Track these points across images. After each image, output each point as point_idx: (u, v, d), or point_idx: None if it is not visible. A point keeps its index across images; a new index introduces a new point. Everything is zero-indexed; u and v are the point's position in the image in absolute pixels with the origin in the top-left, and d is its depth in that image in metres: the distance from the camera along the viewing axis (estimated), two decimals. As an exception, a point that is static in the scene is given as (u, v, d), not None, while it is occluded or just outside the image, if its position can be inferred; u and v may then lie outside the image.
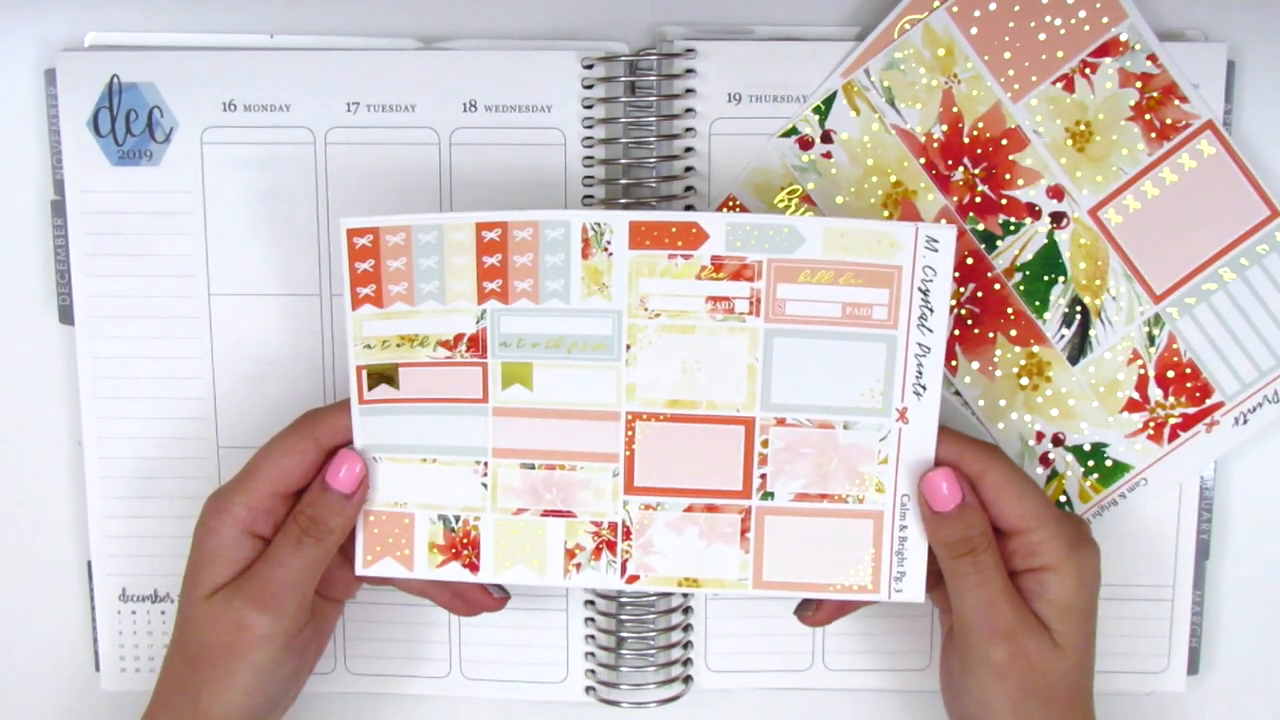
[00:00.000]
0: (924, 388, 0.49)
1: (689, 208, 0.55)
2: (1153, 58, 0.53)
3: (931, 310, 0.48)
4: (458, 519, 0.50)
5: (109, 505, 0.56)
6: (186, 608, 0.49)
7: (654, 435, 0.49)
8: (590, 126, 0.54)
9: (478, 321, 0.49)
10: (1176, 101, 0.53)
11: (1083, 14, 0.53)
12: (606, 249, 0.48)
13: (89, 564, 0.57)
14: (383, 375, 0.49)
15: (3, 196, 0.56)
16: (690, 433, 0.49)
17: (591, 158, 0.54)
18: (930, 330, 0.48)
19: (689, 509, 0.50)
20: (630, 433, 0.49)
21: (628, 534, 0.50)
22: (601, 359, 0.49)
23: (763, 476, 0.50)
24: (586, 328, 0.49)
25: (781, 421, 0.49)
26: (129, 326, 0.55)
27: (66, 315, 0.56)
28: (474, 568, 0.51)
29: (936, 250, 0.48)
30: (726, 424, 0.49)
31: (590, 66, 0.54)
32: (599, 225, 0.48)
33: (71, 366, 0.56)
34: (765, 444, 0.49)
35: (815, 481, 0.50)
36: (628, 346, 0.49)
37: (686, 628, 0.57)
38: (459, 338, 0.49)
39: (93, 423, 0.56)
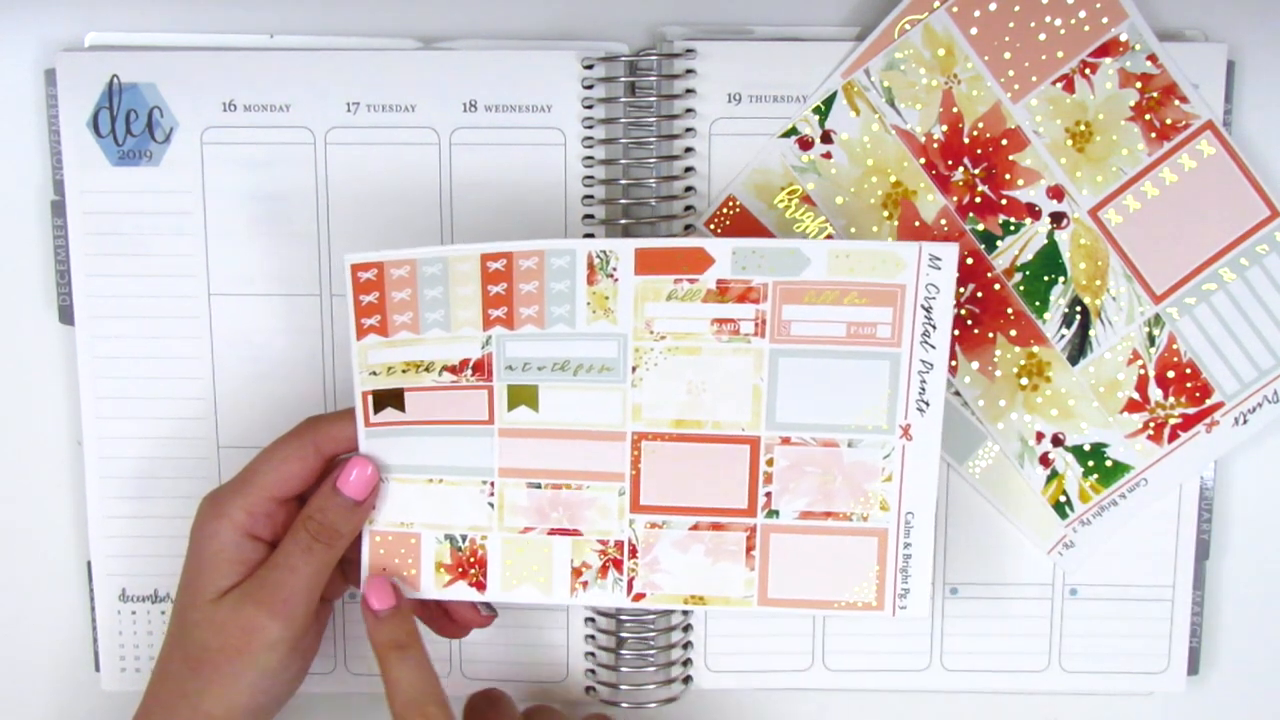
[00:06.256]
0: (927, 404, 0.49)
1: (689, 208, 0.55)
2: (1153, 58, 0.53)
3: (934, 327, 0.48)
4: (464, 538, 0.50)
5: (109, 505, 0.56)
6: (190, 611, 0.49)
7: (659, 454, 0.50)
8: (590, 126, 0.54)
9: (483, 347, 0.49)
10: (1176, 101, 0.53)
11: (1083, 14, 0.53)
12: (612, 275, 0.48)
13: (89, 564, 0.57)
14: (389, 399, 0.49)
15: (3, 196, 0.56)
16: (695, 452, 0.50)
17: (591, 158, 0.54)
18: (933, 347, 0.48)
19: (694, 527, 0.50)
20: (636, 452, 0.50)
21: (634, 552, 0.50)
22: (607, 381, 0.49)
23: (768, 495, 0.50)
24: (592, 351, 0.49)
25: (786, 440, 0.49)
26: (129, 326, 0.55)
27: (66, 315, 0.56)
28: (480, 586, 0.51)
29: (939, 268, 0.48)
30: (731, 443, 0.49)
31: (590, 66, 0.54)
32: (605, 253, 0.48)
33: (71, 366, 0.56)
34: (770, 463, 0.50)
35: (820, 499, 0.50)
36: (633, 368, 0.49)
37: (686, 628, 0.57)
38: (464, 363, 0.49)
39: (93, 423, 0.56)
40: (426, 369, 0.49)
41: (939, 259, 0.48)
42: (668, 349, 0.49)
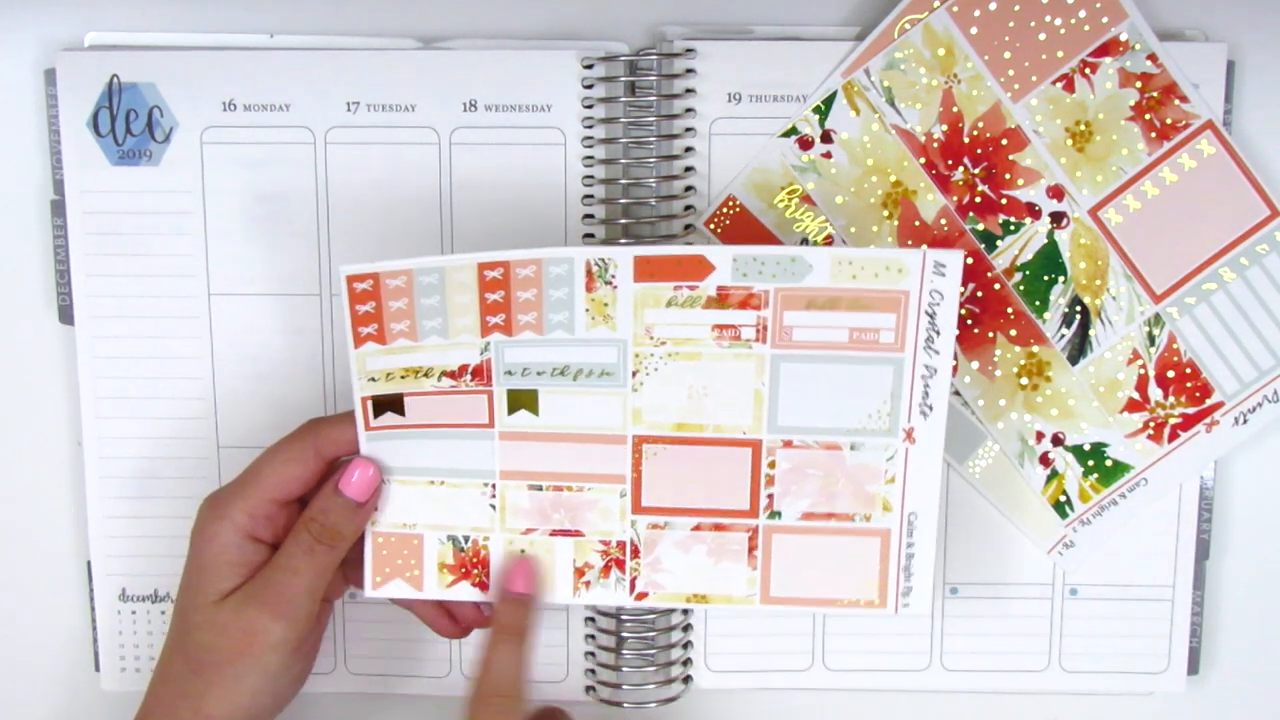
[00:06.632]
0: (931, 408, 0.49)
1: (689, 208, 0.55)
2: (1153, 58, 0.53)
3: (938, 333, 0.48)
4: (467, 539, 0.50)
5: (109, 505, 0.56)
6: (191, 613, 0.49)
7: (661, 457, 0.50)
8: (590, 126, 0.54)
9: (482, 353, 0.49)
10: (1176, 101, 0.53)
11: (1083, 14, 0.53)
12: (611, 282, 0.48)
13: (89, 564, 0.57)
14: (388, 404, 0.49)
15: (3, 196, 0.56)
16: (697, 455, 0.50)
17: (591, 158, 0.54)
18: (937, 352, 0.48)
19: (696, 528, 0.50)
20: (637, 455, 0.50)
21: (636, 552, 0.50)
22: (607, 385, 0.49)
23: (770, 497, 0.50)
24: (591, 356, 0.49)
25: (789, 443, 0.49)
26: (129, 326, 0.55)
27: (66, 315, 0.56)
28: (484, 586, 0.51)
29: (944, 274, 0.47)
30: (733, 446, 0.49)
31: (590, 66, 0.54)
32: (603, 260, 0.48)
33: (71, 366, 0.56)
34: (772, 465, 0.50)
35: (822, 501, 0.50)
36: (634, 374, 0.49)
37: (687, 628, 0.57)
38: (464, 368, 0.49)
39: (93, 423, 0.56)
40: (425, 374, 0.49)
41: (943, 265, 0.47)
42: (668, 354, 0.49)
